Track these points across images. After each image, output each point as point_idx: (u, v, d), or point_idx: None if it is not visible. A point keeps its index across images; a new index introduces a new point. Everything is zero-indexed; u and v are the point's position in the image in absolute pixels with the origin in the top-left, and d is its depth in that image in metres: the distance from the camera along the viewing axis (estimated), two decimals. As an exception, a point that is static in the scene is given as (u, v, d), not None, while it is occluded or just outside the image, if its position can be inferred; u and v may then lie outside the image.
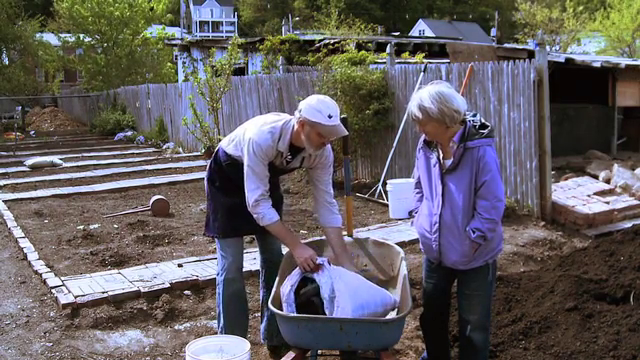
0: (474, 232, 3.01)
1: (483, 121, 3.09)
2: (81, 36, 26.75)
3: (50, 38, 29.14)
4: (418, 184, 3.35)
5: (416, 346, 4.02)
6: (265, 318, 4.00)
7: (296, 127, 3.38)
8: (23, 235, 6.80)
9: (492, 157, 3.02)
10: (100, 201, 9.08)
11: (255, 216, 3.49)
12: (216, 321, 4.51)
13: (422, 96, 3.01)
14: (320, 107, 3.25)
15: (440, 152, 3.13)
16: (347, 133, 3.42)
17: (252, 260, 5.45)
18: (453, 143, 3.05)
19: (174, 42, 23.38)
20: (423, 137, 3.20)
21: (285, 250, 3.74)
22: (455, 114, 2.98)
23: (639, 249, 4.47)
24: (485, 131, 3.04)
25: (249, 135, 3.45)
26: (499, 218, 3.06)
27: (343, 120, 3.81)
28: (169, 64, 28.84)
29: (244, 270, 5.27)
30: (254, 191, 3.45)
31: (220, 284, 3.80)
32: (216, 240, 3.85)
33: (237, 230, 3.75)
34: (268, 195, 3.49)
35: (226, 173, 3.70)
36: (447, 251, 3.14)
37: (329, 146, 3.59)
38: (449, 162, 3.08)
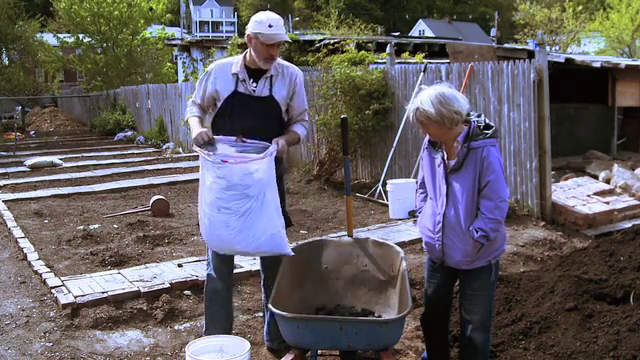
0: (477, 232, 3.01)
1: (487, 122, 3.11)
2: (80, 36, 26.73)
3: (49, 38, 29.11)
4: (422, 184, 3.36)
5: (416, 346, 4.02)
6: (266, 322, 4.01)
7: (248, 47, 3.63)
8: (23, 235, 6.80)
9: (496, 157, 3.03)
10: (100, 201, 9.08)
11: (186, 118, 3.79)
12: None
13: (422, 99, 3.01)
14: (261, 18, 3.55)
15: (445, 152, 3.14)
16: (287, 39, 3.61)
17: (252, 260, 5.45)
18: (457, 143, 3.06)
19: (174, 42, 23.39)
20: (428, 137, 3.20)
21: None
22: (455, 116, 2.99)
23: (639, 249, 4.46)
24: (489, 131, 3.05)
25: None
26: (502, 218, 3.07)
27: (343, 120, 3.82)
28: (169, 64, 28.83)
29: (244, 270, 5.31)
30: (189, 107, 3.84)
31: (205, 279, 3.86)
32: None
33: None
34: (197, 105, 3.80)
35: None
36: (450, 251, 3.14)
37: (294, 71, 3.73)
38: (453, 162, 3.09)
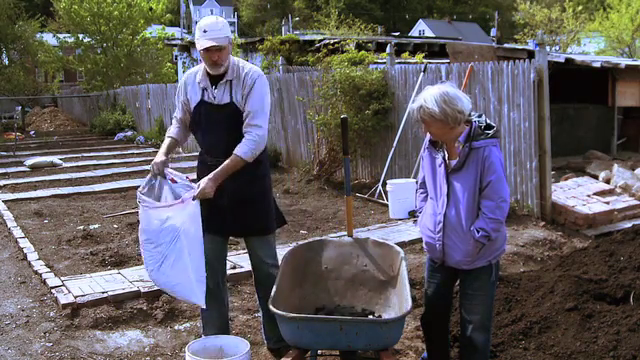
0: (478, 232, 3.02)
1: (489, 122, 3.11)
2: (80, 36, 26.71)
3: (49, 38, 29.10)
4: (423, 184, 3.36)
5: (416, 346, 4.02)
6: (262, 322, 4.03)
7: None
8: (23, 235, 6.80)
9: (497, 157, 3.03)
10: (100, 201, 9.08)
11: None
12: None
13: (425, 97, 3.01)
14: (199, 25, 3.49)
15: (446, 152, 3.14)
16: (221, 43, 3.45)
17: (252, 260, 5.45)
18: (459, 143, 3.06)
19: (174, 42, 23.36)
20: (429, 137, 3.20)
21: (282, 254, 3.75)
22: (459, 115, 2.99)
23: (639, 249, 4.47)
24: (490, 131, 3.05)
25: None
26: (503, 218, 3.07)
27: (343, 120, 3.81)
28: (169, 64, 28.79)
29: (244, 270, 5.31)
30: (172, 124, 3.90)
31: None
32: None
33: (208, 227, 3.72)
34: (177, 122, 3.83)
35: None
36: (451, 251, 3.14)
37: (249, 71, 3.57)
38: (454, 162, 3.09)
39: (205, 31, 3.43)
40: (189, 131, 3.87)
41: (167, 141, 3.80)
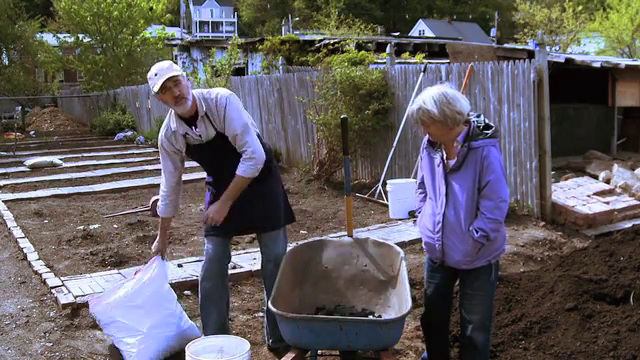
0: (477, 232, 3.01)
1: (487, 122, 3.11)
2: (80, 36, 26.71)
3: (49, 38, 29.10)
4: (421, 184, 3.36)
5: (416, 346, 4.02)
6: (265, 322, 4.02)
7: None
8: (23, 235, 6.80)
9: (496, 157, 3.03)
10: (100, 201, 9.08)
11: None
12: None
13: (424, 98, 3.01)
14: (148, 75, 3.51)
15: (444, 152, 3.14)
16: (172, 74, 3.44)
17: (252, 260, 5.45)
18: (457, 143, 3.06)
19: (174, 42, 23.40)
20: (427, 137, 3.20)
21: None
22: (458, 116, 2.99)
23: (639, 249, 4.46)
24: (489, 131, 3.05)
25: None
26: (503, 218, 3.06)
27: (343, 120, 3.80)
28: (169, 64, 28.70)
29: (244, 270, 5.31)
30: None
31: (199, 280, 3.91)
32: None
33: (213, 228, 3.75)
34: (166, 194, 3.79)
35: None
36: (450, 251, 3.14)
37: (217, 97, 3.55)
38: (453, 162, 3.09)
39: (156, 74, 3.46)
40: (179, 197, 3.90)
41: (162, 224, 3.91)
